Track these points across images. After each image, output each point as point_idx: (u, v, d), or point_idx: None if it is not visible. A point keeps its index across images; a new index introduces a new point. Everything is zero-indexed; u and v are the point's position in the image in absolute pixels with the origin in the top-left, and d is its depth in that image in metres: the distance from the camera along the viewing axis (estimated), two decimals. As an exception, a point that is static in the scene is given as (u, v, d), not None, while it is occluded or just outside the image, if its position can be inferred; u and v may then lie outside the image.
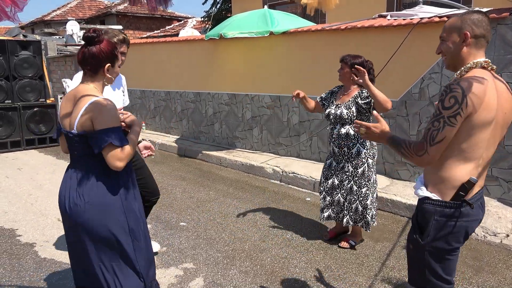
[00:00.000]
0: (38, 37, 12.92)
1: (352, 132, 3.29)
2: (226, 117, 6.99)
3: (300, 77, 5.77)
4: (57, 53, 13.99)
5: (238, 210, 4.47)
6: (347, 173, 3.38)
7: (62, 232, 3.90)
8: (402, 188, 4.59)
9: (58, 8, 24.22)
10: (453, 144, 1.70)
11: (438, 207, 1.77)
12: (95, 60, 1.91)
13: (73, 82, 3.13)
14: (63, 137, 2.08)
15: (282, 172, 5.49)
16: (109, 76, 2.00)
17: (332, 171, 3.48)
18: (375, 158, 3.41)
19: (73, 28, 17.62)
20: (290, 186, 5.34)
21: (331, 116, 3.38)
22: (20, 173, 6.07)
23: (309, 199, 4.83)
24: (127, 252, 2.00)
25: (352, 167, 3.36)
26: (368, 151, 3.35)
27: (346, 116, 3.28)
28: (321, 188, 3.56)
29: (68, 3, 24.91)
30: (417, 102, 4.61)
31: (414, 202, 4.19)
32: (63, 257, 3.40)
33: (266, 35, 5.76)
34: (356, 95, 3.31)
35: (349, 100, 3.32)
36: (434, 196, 1.78)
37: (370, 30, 4.88)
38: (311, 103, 3.60)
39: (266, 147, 6.44)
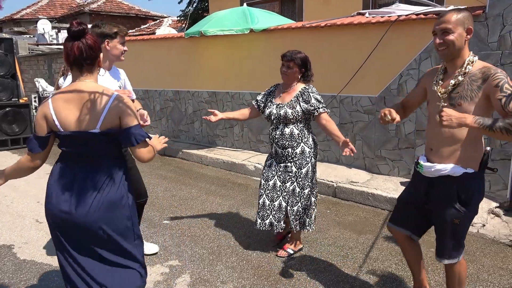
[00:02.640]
0: (7, 36, 12.48)
1: (296, 131, 3.12)
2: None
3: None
4: (29, 52, 13.58)
5: (222, 207, 4.46)
6: (290, 174, 3.16)
7: (41, 234, 3.80)
8: (382, 182, 4.69)
9: (28, 7, 23.47)
10: None
11: (476, 178, 2.10)
12: (93, 52, 1.87)
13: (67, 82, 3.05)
14: (51, 141, 1.98)
15: (264, 169, 5.51)
16: (101, 66, 1.99)
17: (273, 172, 3.23)
18: (317, 158, 3.28)
19: (45, 27, 17.16)
20: (272, 182, 5.36)
21: (273, 117, 3.16)
22: (-7, 174, 5.86)
23: (291, 195, 4.87)
24: (132, 248, 2.03)
25: (296, 167, 3.14)
26: (312, 150, 3.18)
27: (292, 116, 3.08)
28: (262, 191, 3.27)
29: (38, 1, 24.17)
30: (395, 97, 4.72)
31: (394, 195, 4.29)
32: (44, 259, 3.31)
33: (246, 33, 5.77)
34: (298, 94, 3.13)
35: (292, 100, 3.13)
36: (469, 170, 2.08)
37: (350, 27, 4.96)
38: (242, 115, 3.38)
39: (247, 145, 6.44)
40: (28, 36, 17.64)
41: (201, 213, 4.30)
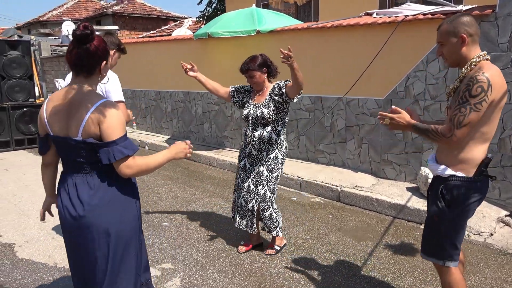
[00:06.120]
0: (33, 37, 12.87)
1: (274, 136, 3.21)
2: (215, 117, 6.96)
3: (287, 74, 5.72)
4: (51, 53, 13.96)
5: (223, 210, 4.43)
6: (261, 178, 3.25)
7: (43, 233, 3.87)
8: (387, 187, 4.55)
9: (55, 9, 24.18)
10: (476, 127, 1.95)
11: (465, 183, 2.03)
12: (93, 60, 1.75)
13: (66, 82, 3.10)
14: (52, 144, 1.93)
15: (270, 171, 5.45)
16: (104, 75, 1.84)
17: (247, 174, 3.31)
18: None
19: (69, 29, 17.58)
20: (277, 185, 5.30)
21: (250, 117, 3.26)
22: (7, 173, 6.02)
23: (295, 198, 4.80)
24: (135, 253, 1.96)
25: (267, 171, 3.25)
26: (284, 157, 3.31)
27: (268, 116, 3.17)
28: (239, 192, 3.39)
29: (64, 4, 24.86)
30: (402, 100, 4.57)
31: (399, 201, 4.15)
32: (41, 258, 3.36)
33: (253, 34, 5.73)
34: (270, 92, 3.24)
35: (266, 99, 3.24)
36: (459, 173, 2.04)
37: (356, 28, 4.85)
38: (212, 87, 3.44)
39: (255, 147, 6.40)
40: (53, 37, 18.14)
41: (201, 215, 4.28)
